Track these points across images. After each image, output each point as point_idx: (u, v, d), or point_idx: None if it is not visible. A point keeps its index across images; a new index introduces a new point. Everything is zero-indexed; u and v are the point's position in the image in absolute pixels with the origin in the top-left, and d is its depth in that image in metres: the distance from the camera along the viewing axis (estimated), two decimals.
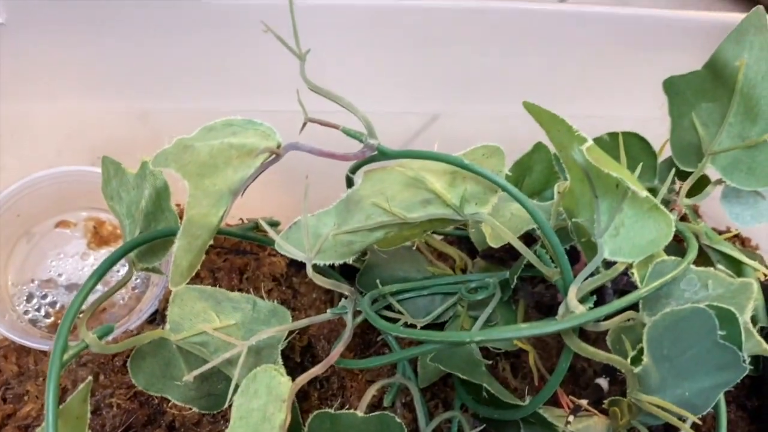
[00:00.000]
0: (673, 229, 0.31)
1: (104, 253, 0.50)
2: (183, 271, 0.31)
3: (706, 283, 0.33)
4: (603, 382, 0.41)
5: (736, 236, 0.53)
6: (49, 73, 0.53)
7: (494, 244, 0.38)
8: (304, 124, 0.35)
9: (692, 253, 0.33)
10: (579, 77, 0.52)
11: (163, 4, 0.49)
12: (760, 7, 0.40)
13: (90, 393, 0.39)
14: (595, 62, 0.51)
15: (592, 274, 0.34)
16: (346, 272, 0.43)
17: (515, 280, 0.40)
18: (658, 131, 0.46)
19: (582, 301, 0.33)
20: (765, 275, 0.42)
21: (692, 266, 0.34)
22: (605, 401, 0.35)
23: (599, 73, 0.52)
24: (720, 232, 0.53)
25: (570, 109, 0.55)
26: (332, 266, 0.43)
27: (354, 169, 0.38)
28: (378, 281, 0.41)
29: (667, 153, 0.46)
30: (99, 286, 0.48)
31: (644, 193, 0.30)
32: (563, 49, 0.50)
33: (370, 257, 0.43)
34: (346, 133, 0.34)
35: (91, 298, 0.35)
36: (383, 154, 0.34)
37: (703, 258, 0.45)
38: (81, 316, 0.34)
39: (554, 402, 0.37)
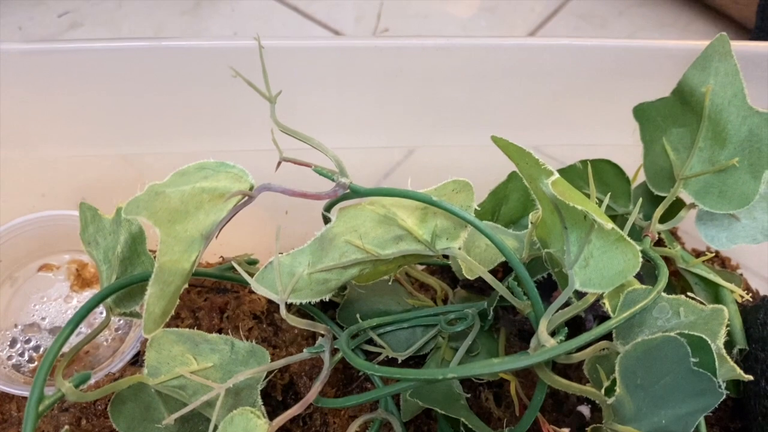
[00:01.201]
0: (640, 260, 0.31)
1: (87, 295, 0.50)
2: (156, 318, 0.31)
3: (677, 311, 0.33)
4: (585, 410, 0.41)
5: (716, 256, 0.53)
6: (32, 117, 0.53)
7: (470, 276, 0.38)
8: (279, 164, 0.35)
9: (662, 282, 0.34)
10: (553, 107, 0.53)
11: (145, 53, 0.49)
12: (724, 34, 0.41)
13: None
14: (569, 92, 0.52)
15: (566, 305, 0.34)
16: (327, 307, 0.44)
17: (492, 311, 0.40)
18: (633, 157, 0.46)
19: (554, 332, 0.33)
20: (742, 297, 0.42)
21: (663, 294, 0.34)
22: (588, 428, 0.35)
23: (573, 103, 0.53)
24: (701, 253, 0.54)
25: (546, 138, 0.56)
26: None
27: (328, 207, 0.38)
28: (358, 315, 0.41)
29: (641, 178, 0.46)
30: (83, 328, 0.49)
31: (610, 225, 0.31)
32: (537, 80, 0.51)
33: (350, 292, 0.43)
34: (318, 172, 0.34)
35: (75, 339, 0.36)
36: (355, 192, 0.35)
37: (682, 281, 0.45)
38: (60, 362, 0.34)
39: (536, 430, 0.37)
